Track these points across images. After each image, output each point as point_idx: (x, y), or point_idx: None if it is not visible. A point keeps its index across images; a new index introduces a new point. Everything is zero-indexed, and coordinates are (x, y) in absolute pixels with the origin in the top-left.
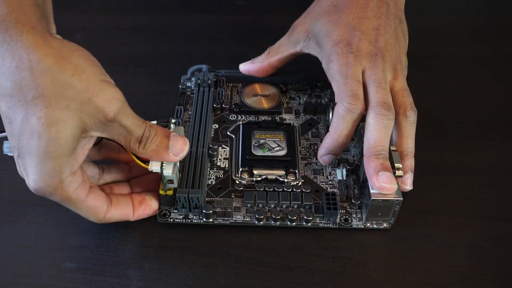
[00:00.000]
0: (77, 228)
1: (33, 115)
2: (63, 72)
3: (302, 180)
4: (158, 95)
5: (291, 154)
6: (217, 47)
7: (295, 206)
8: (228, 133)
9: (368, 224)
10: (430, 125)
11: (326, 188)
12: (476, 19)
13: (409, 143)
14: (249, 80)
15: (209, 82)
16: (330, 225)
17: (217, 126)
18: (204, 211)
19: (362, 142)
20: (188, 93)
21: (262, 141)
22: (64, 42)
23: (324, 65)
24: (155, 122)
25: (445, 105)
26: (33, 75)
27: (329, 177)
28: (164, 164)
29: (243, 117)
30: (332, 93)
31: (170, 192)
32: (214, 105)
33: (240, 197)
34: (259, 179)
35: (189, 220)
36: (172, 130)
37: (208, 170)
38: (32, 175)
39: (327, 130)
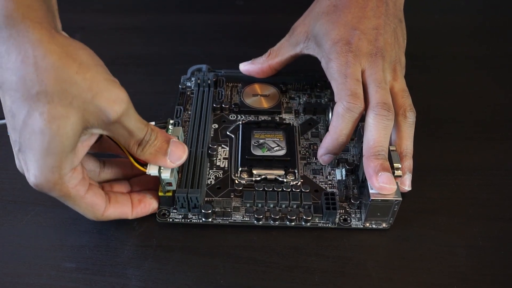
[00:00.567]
0: (77, 228)
1: (36, 110)
2: (67, 69)
3: (302, 180)
4: (158, 95)
5: (291, 154)
6: (217, 47)
7: (294, 206)
8: (227, 133)
9: (367, 224)
10: (429, 125)
11: (326, 188)
12: (476, 19)
13: (407, 144)
14: (249, 80)
15: (209, 82)
16: (329, 225)
17: (216, 126)
18: (203, 210)
19: (362, 142)
20: (188, 93)
21: (261, 141)
22: (69, 40)
23: (323, 65)
24: (153, 123)
25: (444, 105)
26: (37, 71)
27: (328, 177)
28: (162, 167)
29: (243, 117)
30: (332, 93)
31: (169, 192)
32: (214, 105)
33: (239, 197)
34: (258, 179)
35: (188, 220)
36: (170, 130)
37: (208, 170)
38: (32, 170)
39: (327, 130)
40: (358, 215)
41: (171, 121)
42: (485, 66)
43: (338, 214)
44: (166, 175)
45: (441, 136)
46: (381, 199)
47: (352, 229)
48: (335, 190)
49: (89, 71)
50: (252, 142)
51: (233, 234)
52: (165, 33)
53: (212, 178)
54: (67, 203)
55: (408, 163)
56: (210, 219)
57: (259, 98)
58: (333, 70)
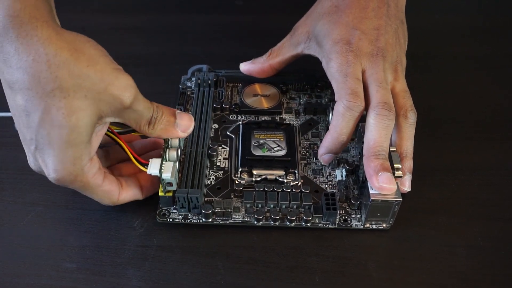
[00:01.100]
0: (77, 228)
1: (53, 106)
2: (78, 64)
3: (302, 180)
4: (158, 95)
5: (291, 154)
6: (217, 47)
7: (295, 206)
8: (228, 133)
9: (368, 225)
10: (429, 125)
11: (326, 188)
12: (476, 19)
13: (408, 145)
14: (249, 80)
15: (209, 82)
16: (330, 226)
17: (217, 126)
18: (203, 211)
19: (362, 142)
20: (188, 93)
21: (262, 141)
22: (74, 34)
23: (324, 65)
24: None
25: (444, 105)
26: (50, 68)
27: (328, 177)
28: (163, 167)
29: (243, 117)
30: (332, 93)
31: (169, 193)
32: (214, 105)
33: (240, 197)
34: (258, 179)
35: (188, 220)
36: None
37: (208, 170)
38: (52, 165)
39: (327, 130)
40: (358, 216)
41: None
42: (485, 66)
43: (338, 214)
44: (167, 174)
45: (441, 136)
46: (381, 200)
47: (352, 230)
48: (335, 191)
49: (98, 63)
50: (253, 143)
51: (233, 235)
52: (165, 33)
53: (212, 179)
54: (86, 193)
55: (408, 164)
56: (210, 220)
57: (260, 98)
58: (333, 70)
